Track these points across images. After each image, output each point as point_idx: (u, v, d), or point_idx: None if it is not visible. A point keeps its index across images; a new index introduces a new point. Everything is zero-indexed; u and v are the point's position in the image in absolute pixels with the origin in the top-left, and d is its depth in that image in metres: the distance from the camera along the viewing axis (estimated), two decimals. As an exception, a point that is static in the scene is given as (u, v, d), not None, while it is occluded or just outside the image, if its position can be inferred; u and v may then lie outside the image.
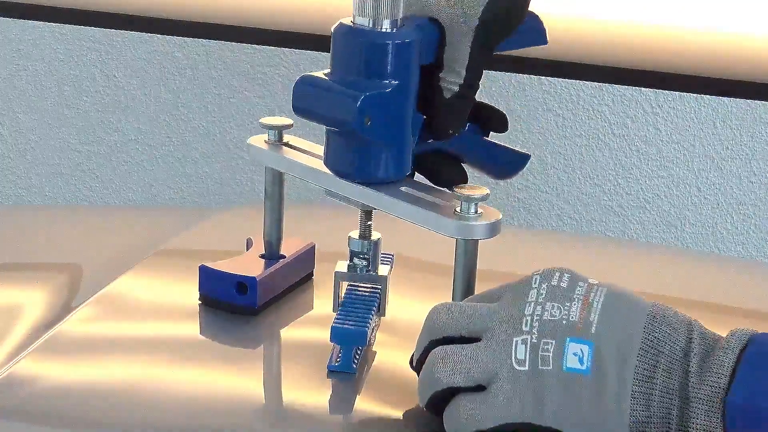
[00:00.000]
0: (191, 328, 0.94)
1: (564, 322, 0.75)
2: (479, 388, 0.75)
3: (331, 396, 0.84)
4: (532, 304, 0.76)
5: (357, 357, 0.85)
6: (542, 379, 0.74)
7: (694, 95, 1.98)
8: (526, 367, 0.74)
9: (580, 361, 0.73)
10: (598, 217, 2.06)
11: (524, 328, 0.75)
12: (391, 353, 0.88)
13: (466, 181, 0.88)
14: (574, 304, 0.75)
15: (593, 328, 0.74)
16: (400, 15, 0.84)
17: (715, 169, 2.02)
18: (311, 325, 0.94)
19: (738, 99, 1.95)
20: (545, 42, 0.90)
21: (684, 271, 1.21)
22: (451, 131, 0.86)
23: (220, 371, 0.87)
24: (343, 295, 0.90)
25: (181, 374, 0.86)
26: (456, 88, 0.84)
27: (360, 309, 0.87)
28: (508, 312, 0.76)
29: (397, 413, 0.81)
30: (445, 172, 0.88)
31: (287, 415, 0.83)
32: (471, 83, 0.85)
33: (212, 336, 0.93)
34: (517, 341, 0.75)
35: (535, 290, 0.77)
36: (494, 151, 0.92)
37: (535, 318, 0.75)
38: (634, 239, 2.04)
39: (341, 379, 0.85)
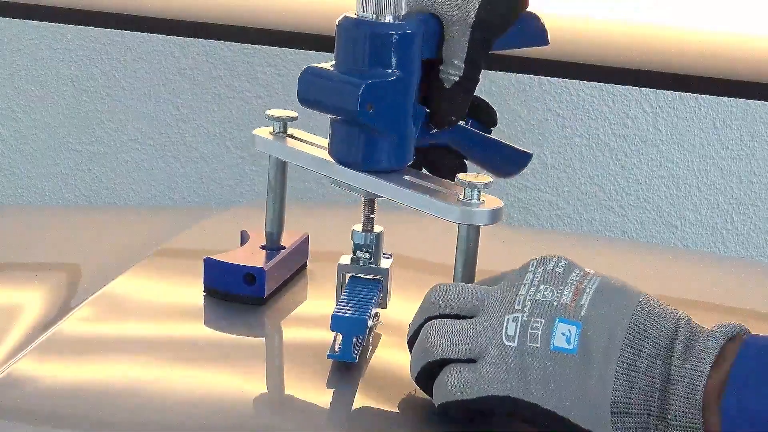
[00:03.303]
0: (190, 328, 0.94)
1: (555, 303, 0.77)
2: (469, 362, 0.77)
3: (331, 395, 0.84)
4: (527, 285, 0.78)
5: (357, 346, 0.86)
6: (529, 356, 0.75)
7: (694, 95, 1.98)
8: (515, 344, 0.76)
9: (568, 341, 0.75)
10: (598, 217, 2.06)
11: (516, 307, 0.77)
12: (391, 352, 0.88)
13: (465, 170, 0.91)
14: (567, 289, 0.77)
15: (583, 311, 0.76)
16: (403, 9, 0.86)
17: (715, 169, 2.02)
18: (312, 318, 0.95)
19: (738, 99, 1.95)
20: (546, 43, 0.93)
21: (684, 271, 1.21)
22: (453, 119, 0.89)
23: (219, 370, 0.87)
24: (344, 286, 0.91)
25: (180, 373, 0.86)
26: (456, 79, 0.87)
27: (361, 298, 0.88)
28: (504, 292, 0.79)
29: (397, 411, 0.81)
30: (447, 162, 0.92)
31: (288, 413, 0.83)
32: (470, 75, 0.87)
33: (211, 334, 0.94)
34: (508, 318, 0.77)
35: (531, 273, 0.79)
36: (497, 149, 0.94)
37: (527, 298, 0.77)
38: (634, 239, 2.04)
39: (342, 378, 0.85)
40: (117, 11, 1.90)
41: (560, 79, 1.99)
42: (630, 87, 1.98)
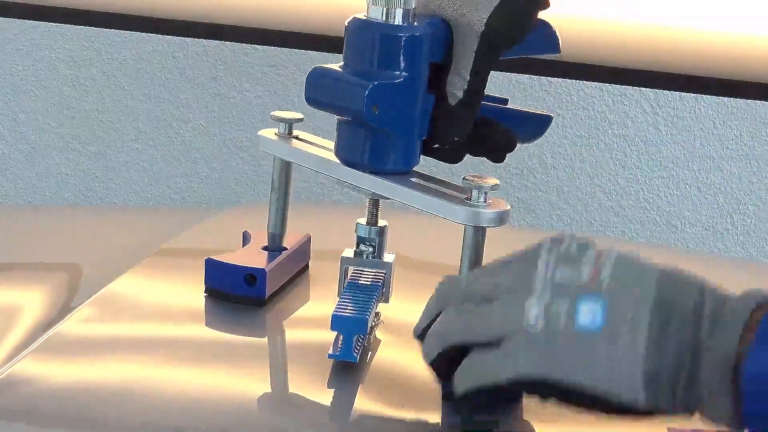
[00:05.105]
0: (191, 328, 0.94)
1: (575, 283, 0.75)
2: (491, 346, 0.76)
3: (332, 395, 0.84)
4: (543, 269, 0.77)
5: (358, 346, 0.86)
6: (555, 338, 0.74)
7: (694, 95, 1.98)
8: (539, 327, 0.74)
9: (592, 318, 0.74)
10: (598, 217, 2.06)
11: (536, 290, 0.76)
12: (392, 352, 0.88)
13: (513, 149, 0.90)
14: (585, 267, 0.76)
15: (604, 285, 0.75)
16: (413, 5, 0.86)
17: (715, 169, 2.02)
18: (313, 319, 0.95)
19: (738, 99, 1.95)
20: (557, 51, 0.91)
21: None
22: (456, 138, 0.88)
23: (220, 370, 0.87)
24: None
25: (181, 374, 0.86)
26: (460, 94, 0.86)
27: (362, 296, 0.88)
28: (520, 277, 0.77)
29: (398, 411, 0.81)
30: (496, 138, 0.90)
31: (289, 413, 0.83)
32: (475, 88, 0.86)
33: (212, 335, 0.94)
34: (529, 302, 0.75)
35: (545, 255, 0.77)
36: (518, 117, 0.94)
37: (546, 281, 0.76)
38: (634, 239, 2.04)
39: (342, 378, 0.85)
40: (117, 11, 1.90)
41: (560, 79, 1.99)
42: (630, 87, 1.98)
